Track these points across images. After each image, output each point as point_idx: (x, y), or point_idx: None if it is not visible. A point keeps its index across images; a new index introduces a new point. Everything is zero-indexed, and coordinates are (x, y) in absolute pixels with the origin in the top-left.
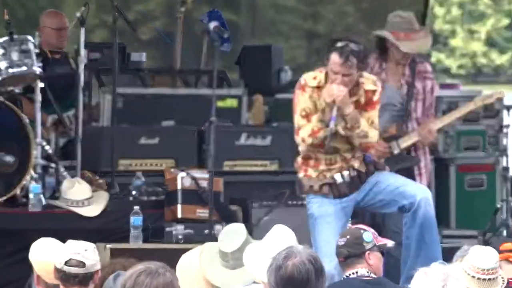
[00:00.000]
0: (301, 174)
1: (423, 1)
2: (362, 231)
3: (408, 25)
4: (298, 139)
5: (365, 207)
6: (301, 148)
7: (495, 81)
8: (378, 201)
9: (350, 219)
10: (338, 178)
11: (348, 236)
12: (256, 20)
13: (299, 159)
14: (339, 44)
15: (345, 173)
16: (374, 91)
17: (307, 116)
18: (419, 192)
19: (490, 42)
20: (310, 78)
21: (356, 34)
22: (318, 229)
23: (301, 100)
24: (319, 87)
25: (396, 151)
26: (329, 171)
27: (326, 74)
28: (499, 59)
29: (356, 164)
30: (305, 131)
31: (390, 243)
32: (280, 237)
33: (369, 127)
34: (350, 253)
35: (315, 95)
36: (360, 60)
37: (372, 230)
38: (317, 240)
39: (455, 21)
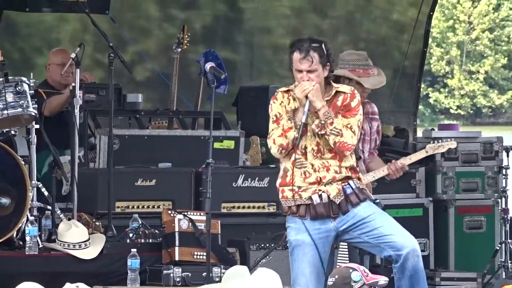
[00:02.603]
0: (280, 196)
1: (422, 41)
2: (351, 271)
3: (365, 62)
4: (269, 142)
5: (349, 242)
6: (272, 150)
7: (495, 122)
8: (363, 241)
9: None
10: (315, 198)
11: (336, 276)
12: (253, 59)
13: (278, 180)
14: (297, 43)
15: (324, 195)
16: (351, 96)
17: (277, 120)
18: (406, 243)
19: (489, 83)
20: (282, 87)
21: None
22: (294, 258)
23: (273, 108)
24: (288, 91)
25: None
26: (305, 190)
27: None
28: (498, 100)
29: (333, 192)
30: (275, 133)
31: (382, 280)
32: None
33: (344, 128)
34: None
35: (286, 99)
36: (321, 55)
37: (363, 268)
38: (293, 269)
39: (454, 61)
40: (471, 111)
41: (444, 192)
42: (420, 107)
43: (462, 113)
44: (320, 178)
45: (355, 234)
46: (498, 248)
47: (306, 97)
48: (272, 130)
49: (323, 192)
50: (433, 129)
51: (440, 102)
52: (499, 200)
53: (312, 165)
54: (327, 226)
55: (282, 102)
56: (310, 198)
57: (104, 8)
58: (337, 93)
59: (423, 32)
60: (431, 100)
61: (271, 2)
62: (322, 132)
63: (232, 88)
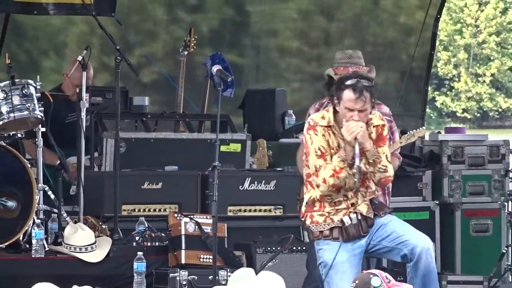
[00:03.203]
0: (308, 222)
1: (429, 44)
2: (371, 276)
3: (348, 60)
4: (317, 180)
5: (372, 253)
6: (321, 188)
7: (502, 125)
8: (383, 247)
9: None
10: (346, 220)
11: (357, 282)
12: (260, 62)
13: (303, 208)
14: (351, 81)
15: (353, 216)
16: (383, 126)
17: (322, 156)
18: (420, 242)
19: (496, 86)
20: (319, 118)
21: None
22: (333, 278)
23: (315, 140)
24: (329, 126)
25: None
26: (335, 214)
27: (334, 113)
28: (505, 103)
29: (364, 210)
30: (326, 172)
31: (405, 286)
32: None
33: (388, 162)
34: None
35: (327, 134)
36: (372, 95)
37: (385, 275)
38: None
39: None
40: (478, 114)
41: (450, 195)
42: (427, 110)
43: (469, 116)
44: (353, 203)
45: (376, 241)
46: (504, 251)
47: (355, 138)
48: (319, 166)
49: (353, 213)
50: (439, 132)
51: (447, 105)
52: (506, 203)
53: (346, 195)
54: (360, 243)
55: (323, 135)
56: (341, 220)
57: (110, 10)
58: (370, 126)
59: (430, 34)
60: (437, 104)
61: (278, 5)
62: (370, 170)
63: (238, 91)
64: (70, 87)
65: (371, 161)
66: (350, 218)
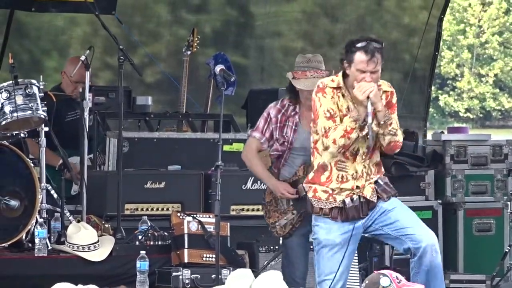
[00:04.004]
0: (310, 194)
1: (433, 45)
2: (381, 276)
3: (307, 64)
4: (327, 141)
5: (372, 235)
6: (331, 150)
7: (505, 125)
8: (384, 233)
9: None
10: (347, 201)
11: (367, 281)
12: (264, 63)
13: (310, 175)
14: (362, 44)
15: (355, 197)
16: (392, 93)
17: (331, 117)
18: (425, 238)
19: (499, 85)
20: (328, 81)
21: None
22: (322, 256)
23: (323, 102)
24: (339, 88)
25: (303, 194)
26: (339, 193)
27: (344, 75)
28: (508, 103)
29: (368, 193)
30: (336, 133)
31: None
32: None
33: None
34: None
35: (336, 96)
36: (383, 56)
37: (396, 275)
38: (320, 268)
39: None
40: (481, 114)
41: (453, 195)
42: (430, 109)
43: (472, 116)
44: (358, 186)
45: (378, 226)
46: (507, 250)
47: (368, 98)
48: (329, 127)
49: (355, 195)
50: (442, 132)
51: (449, 105)
52: (508, 202)
53: (353, 172)
54: (357, 224)
55: (333, 97)
56: (343, 201)
57: (111, 8)
58: (380, 91)
59: (434, 35)
60: (440, 103)
61: (282, 7)
62: (381, 131)
63: (242, 91)
64: (69, 84)
65: (382, 122)
66: (352, 199)
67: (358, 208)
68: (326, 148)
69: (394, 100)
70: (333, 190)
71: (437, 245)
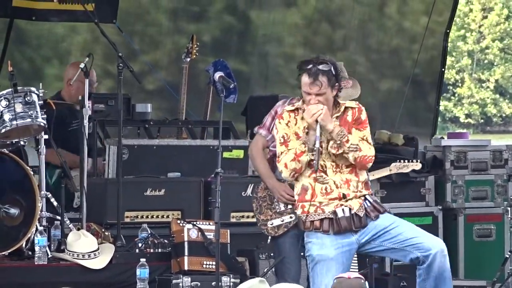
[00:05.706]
0: (299, 211)
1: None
2: (362, 281)
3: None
4: (279, 166)
5: (370, 252)
6: (284, 174)
7: (505, 131)
8: (386, 248)
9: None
10: (339, 212)
11: None
12: (264, 70)
13: (295, 197)
14: (307, 65)
15: (346, 209)
16: (359, 109)
17: (284, 142)
18: (435, 245)
19: (499, 91)
20: (290, 105)
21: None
22: (317, 273)
23: (279, 129)
24: (297, 110)
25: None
26: (327, 205)
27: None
28: (509, 109)
29: (355, 206)
30: (287, 156)
31: None
32: None
33: (361, 142)
34: None
35: (293, 119)
36: (330, 79)
37: None
38: (315, 283)
39: (464, 69)
40: (481, 120)
41: (453, 201)
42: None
43: (472, 121)
44: (344, 194)
45: (377, 242)
46: (507, 256)
47: (316, 121)
48: (282, 153)
49: (345, 206)
50: (442, 138)
51: (450, 110)
52: (509, 208)
53: (334, 181)
54: (350, 240)
55: (288, 122)
56: (334, 212)
57: (112, 17)
58: (346, 108)
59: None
60: (441, 109)
61: (283, 12)
62: (340, 151)
63: (243, 98)
64: (71, 94)
65: (338, 142)
66: (343, 211)
67: (349, 219)
68: (280, 172)
69: (364, 116)
70: (320, 203)
71: (445, 250)
